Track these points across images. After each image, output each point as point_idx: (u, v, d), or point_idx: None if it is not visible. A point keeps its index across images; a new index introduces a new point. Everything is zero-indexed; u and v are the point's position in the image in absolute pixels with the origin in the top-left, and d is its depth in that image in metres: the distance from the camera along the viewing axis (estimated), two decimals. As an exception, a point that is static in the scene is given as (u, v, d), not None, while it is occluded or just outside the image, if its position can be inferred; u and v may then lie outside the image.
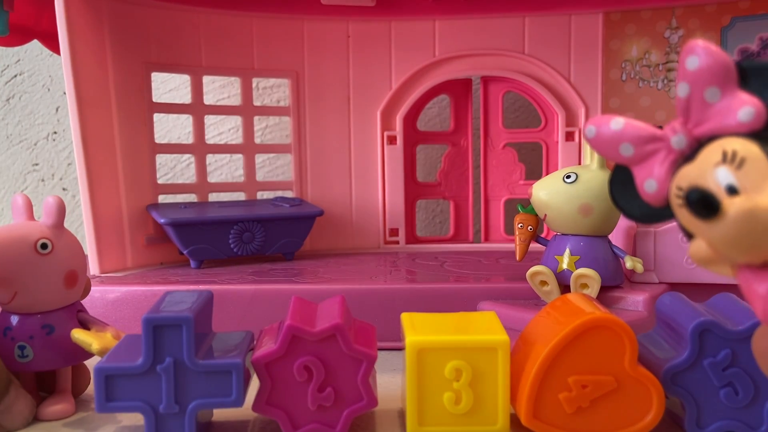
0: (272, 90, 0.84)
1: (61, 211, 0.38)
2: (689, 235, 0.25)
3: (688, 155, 0.25)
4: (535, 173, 0.73)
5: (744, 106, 0.24)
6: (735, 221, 0.22)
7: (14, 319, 0.38)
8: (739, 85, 0.24)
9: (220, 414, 0.37)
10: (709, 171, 0.24)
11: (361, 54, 0.71)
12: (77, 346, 0.38)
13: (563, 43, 0.70)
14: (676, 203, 0.24)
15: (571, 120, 0.70)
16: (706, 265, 0.25)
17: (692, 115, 0.25)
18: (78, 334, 0.37)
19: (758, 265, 0.23)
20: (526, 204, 0.48)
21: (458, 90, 0.73)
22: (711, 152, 0.24)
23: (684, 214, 0.24)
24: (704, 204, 0.23)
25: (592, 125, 0.28)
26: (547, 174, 0.60)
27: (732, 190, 0.23)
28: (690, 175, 0.24)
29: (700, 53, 0.24)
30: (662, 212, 0.27)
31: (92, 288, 0.45)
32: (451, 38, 0.71)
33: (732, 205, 0.22)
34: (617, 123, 0.27)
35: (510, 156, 0.73)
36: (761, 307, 0.23)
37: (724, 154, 0.23)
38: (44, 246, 0.37)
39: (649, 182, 0.26)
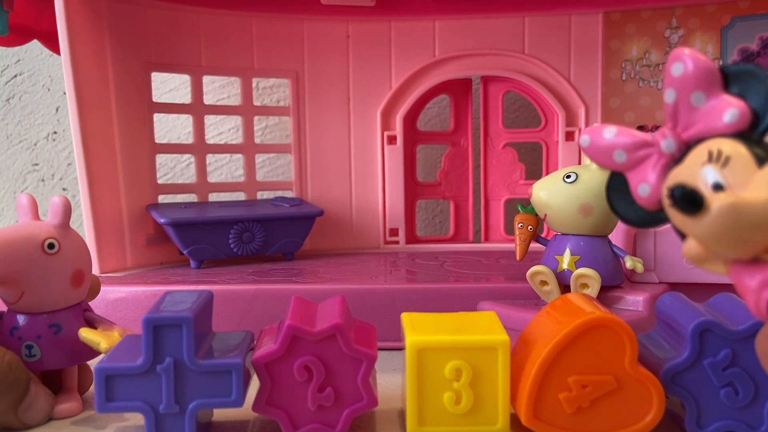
0: (272, 90, 0.84)
1: (67, 210, 0.38)
2: (683, 236, 0.26)
3: (678, 158, 0.26)
4: (535, 173, 0.73)
5: (729, 108, 0.24)
6: (719, 215, 0.23)
7: (21, 319, 0.38)
8: (724, 89, 0.25)
9: (220, 414, 0.37)
10: (697, 170, 0.24)
11: (361, 54, 0.71)
12: (84, 345, 0.38)
13: (563, 43, 0.70)
14: (667, 204, 0.25)
15: (571, 120, 0.70)
16: (699, 263, 0.25)
17: (680, 119, 0.26)
18: (86, 333, 0.38)
19: (748, 260, 0.23)
20: (526, 204, 0.48)
21: (458, 90, 0.73)
22: (698, 153, 0.25)
23: (675, 214, 0.24)
24: (688, 199, 0.23)
25: (586, 135, 0.29)
26: (547, 174, 0.60)
27: (718, 188, 0.24)
28: (679, 175, 0.25)
29: (685, 60, 0.25)
30: (657, 216, 0.27)
31: (92, 288, 0.45)
32: (451, 38, 0.71)
33: (716, 200, 0.23)
34: (609, 131, 0.28)
35: (510, 156, 0.73)
36: (753, 300, 0.23)
37: (710, 154, 0.24)
38: (51, 246, 0.37)
39: (642, 186, 0.27)
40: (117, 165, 0.62)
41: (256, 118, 0.74)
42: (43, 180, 0.87)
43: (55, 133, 0.86)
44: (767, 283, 0.23)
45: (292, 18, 0.70)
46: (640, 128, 0.70)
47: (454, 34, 0.71)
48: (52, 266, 0.37)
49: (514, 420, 0.34)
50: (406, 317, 0.36)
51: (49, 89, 0.86)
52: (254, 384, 0.34)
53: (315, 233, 0.68)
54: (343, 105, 0.72)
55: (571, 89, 0.70)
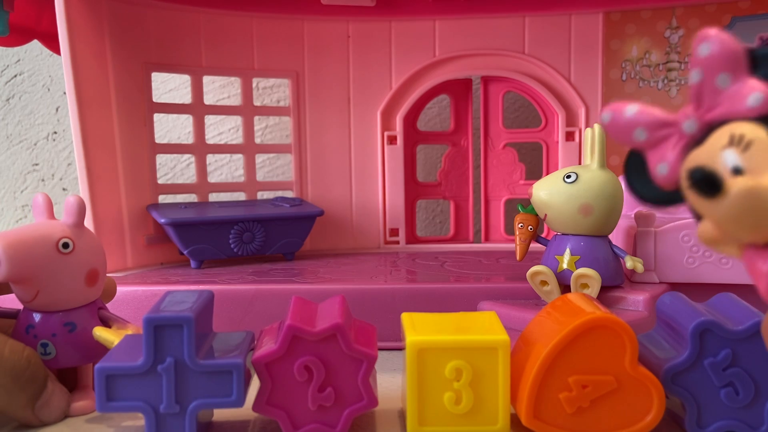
0: (272, 90, 0.84)
1: (81, 210, 0.39)
2: (698, 218, 0.26)
3: (699, 139, 0.26)
4: (535, 173, 0.73)
5: (753, 92, 0.25)
6: (737, 199, 0.23)
7: (36, 317, 0.38)
8: (750, 72, 0.25)
9: (220, 414, 0.37)
10: (717, 153, 0.24)
11: (361, 54, 0.71)
12: (99, 343, 0.38)
13: (563, 43, 0.70)
14: (686, 186, 0.25)
15: (571, 120, 0.70)
16: (713, 245, 0.25)
17: (704, 100, 0.26)
18: (100, 332, 0.38)
19: (762, 245, 0.24)
20: (526, 204, 0.48)
21: (458, 90, 0.73)
22: (719, 136, 0.25)
23: (692, 196, 0.25)
24: (707, 182, 0.23)
25: (607, 111, 0.29)
26: (547, 174, 0.60)
27: (737, 172, 0.24)
28: (699, 157, 0.25)
29: (712, 40, 0.25)
30: (674, 195, 0.28)
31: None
32: (451, 38, 0.71)
33: (734, 184, 0.23)
34: (631, 109, 0.28)
35: (510, 156, 0.73)
36: (764, 284, 0.23)
37: (731, 138, 0.24)
38: (66, 245, 0.37)
39: (661, 166, 0.27)
40: (117, 165, 0.62)
41: (256, 118, 0.74)
42: (43, 180, 0.87)
43: (55, 133, 0.86)
44: None
45: (292, 18, 0.70)
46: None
47: (454, 34, 0.71)
48: (67, 266, 0.37)
49: (514, 420, 0.34)
50: (406, 317, 0.36)
51: (49, 89, 0.86)
52: (254, 384, 0.34)
53: (315, 233, 0.68)
54: (343, 105, 0.72)
55: (571, 89, 0.70)
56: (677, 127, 0.27)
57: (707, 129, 0.26)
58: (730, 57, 0.25)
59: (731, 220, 0.23)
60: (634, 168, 0.29)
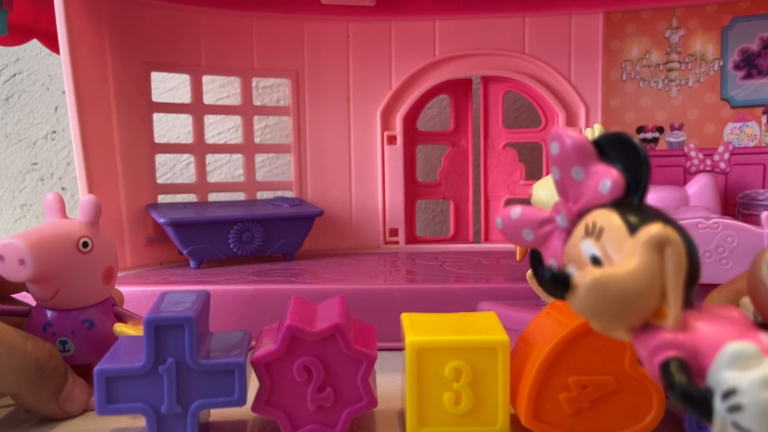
0: (272, 90, 0.84)
1: (97, 209, 0.39)
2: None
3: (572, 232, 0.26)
4: (535, 173, 0.73)
5: (603, 179, 0.25)
6: (585, 293, 0.23)
7: (53, 316, 0.39)
8: (600, 159, 0.25)
9: (219, 414, 0.37)
10: (578, 244, 0.25)
11: (361, 54, 0.71)
12: (115, 339, 0.38)
13: (563, 43, 0.70)
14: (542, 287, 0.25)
15: (571, 120, 0.70)
16: (606, 332, 0.25)
17: (569, 194, 0.26)
18: (122, 328, 0.39)
19: (640, 327, 0.23)
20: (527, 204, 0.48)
21: (458, 90, 0.73)
22: (579, 227, 0.25)
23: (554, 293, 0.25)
24: (555, 281, 0.23)
25: (498, 218, 0.29)
26: (547, 174, 0.60)
27: (595, 261, 0.24)
28: (568, 251, 0.25)
29: (560, 139, 0.26)
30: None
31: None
32: (451, 38, 0.71)
33: (581, 278, 0.23)
34: (515, 212, 0.29)
35: (510, 156, 0.73)
36: (648, 368, 0.23)
37: (586, 227, 0.25)
38: (85, 244, 0.38)
39: (551, 261, 0.27)
40: (116, 165, 0.62)
41: (255, 117, 0.74)
42: (42, 179, 0.87)
43: (54, 132, 0.86)
44: (657, 349, 0.22)
45: (292, 18, 0.70)
46: (640, 129, 0.70)
47: (454, 34, 0.71)
48: (86, 264, 0.38)
49: (514, 420, 0.34)
50: (406, 317, 0.36)
51: (48, 88, 0.86)
52: (253, 384, 0.34)
53: (315, 233, 0.68)
54: (343, 105, 0.72)
55: (571, 89, 0.70)
56: (555, 223, 0.27)
57: (578, 220, 0.26)
58: (577, 151, 0.25)
59: (588, 313, 0.23)
60: (539, 265, 0.29)
